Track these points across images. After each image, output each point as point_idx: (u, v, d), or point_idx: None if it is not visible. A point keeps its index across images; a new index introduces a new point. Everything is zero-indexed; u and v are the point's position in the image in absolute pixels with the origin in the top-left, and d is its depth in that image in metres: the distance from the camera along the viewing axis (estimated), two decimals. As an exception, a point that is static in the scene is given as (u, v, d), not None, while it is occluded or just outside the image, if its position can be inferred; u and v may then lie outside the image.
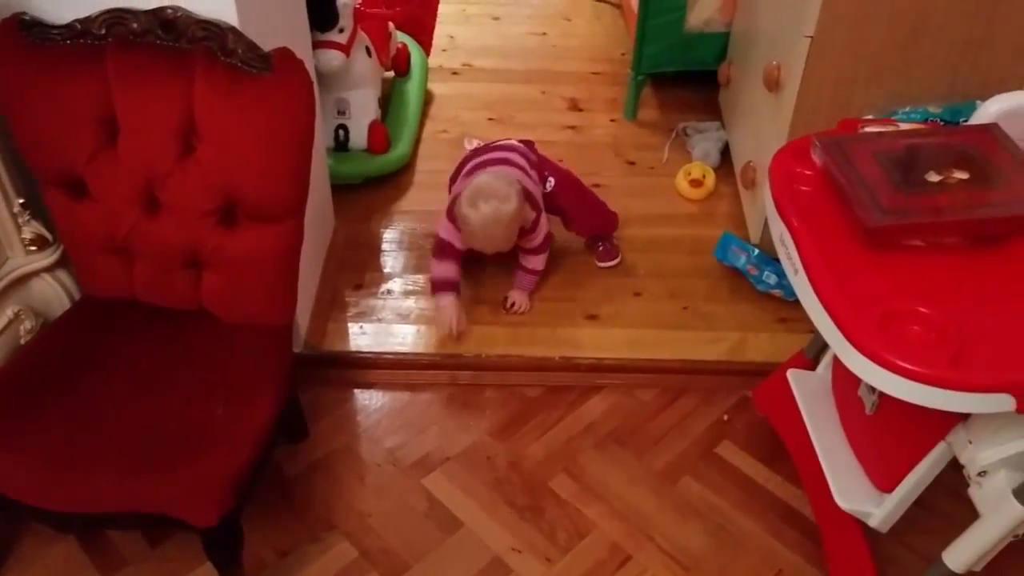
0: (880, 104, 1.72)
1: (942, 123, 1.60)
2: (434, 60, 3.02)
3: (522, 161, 2.04)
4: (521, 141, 2.16)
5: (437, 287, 1.95)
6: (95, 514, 1.31)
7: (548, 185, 2.08)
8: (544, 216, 1.97)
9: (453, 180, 2.13)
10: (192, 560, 1.51)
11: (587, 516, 1.64)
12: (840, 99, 1.78)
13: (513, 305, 2.00)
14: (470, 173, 2.01)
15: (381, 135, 2.44)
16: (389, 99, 2.65)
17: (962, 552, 1.23)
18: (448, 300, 1.93)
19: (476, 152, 2.12)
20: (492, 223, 1.84)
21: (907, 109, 1.65)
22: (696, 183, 2.39)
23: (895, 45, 1.72)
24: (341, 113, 2.40)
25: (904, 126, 1.48)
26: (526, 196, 1.90)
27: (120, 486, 1.27)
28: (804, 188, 1.32)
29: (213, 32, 1.37)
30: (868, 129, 1.42)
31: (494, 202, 1.82)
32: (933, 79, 1.74)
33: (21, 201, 1.48)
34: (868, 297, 1.14)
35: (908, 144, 1.35)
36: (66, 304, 1.58)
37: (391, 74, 2.74)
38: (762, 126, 2.08)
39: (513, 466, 1.73)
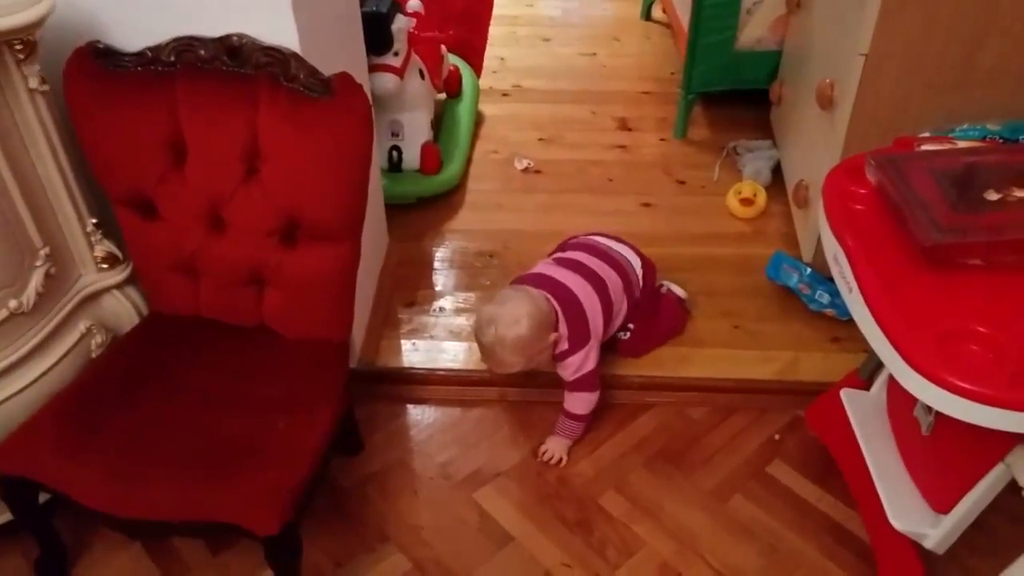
0: (936, 122, 1.70)
1: (1001, 141, 1.58)
2: (485, 82, 3.07)
3: (617, 290, 1.82)
4: (644, 259, 1.95)
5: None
6: (161, 522, 1.35)
7: (623, 335, 1.91)
8: (586, 354, 1.71)
9: (562, 246, 1.98)
10: (252, 567, 1.56)
11: (637, 533, 1.64)
12: (895, 117, 1.76)
13: (545, 454, 1.77)
14: (560, 263, 1.84)
15: (433, 156, 2.48)
16: (441, 120, 2.70)
17: (1021, 574, 1.20)
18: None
19: (591, 245, 1.91)
20: (495, 346, 1.66)
21: (965, 127, 1.63)
22: (747, 202, 2.39)
23: (952, 62, 1.70)
24: (395, 135, 2.46)
25: (962, 144, 1.47)
26: (569, 328, 1.70)
27: (186, 495, 1.31)
28: (858, 207, 1.31)
29: (276, 58, 1.42)
30: (925, 147, 1.41)
31: (493, 327, 1.64)
32: (992, 96, 1.71)
33: (94, 221, 1.54)
34: (925, 316, 1.13)
35: (966, 162, 1.33)
36: (135, 320, 1.64)
37: (443, 96, 2.80)
38: (815, 144, 2.07)
39: (563, 482, 1.74)
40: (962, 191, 1.26)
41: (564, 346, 1.70)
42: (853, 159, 1.39)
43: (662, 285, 2.06)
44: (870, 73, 1.73)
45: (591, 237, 1.97)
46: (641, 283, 1.91)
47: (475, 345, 1.99)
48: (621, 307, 1.84)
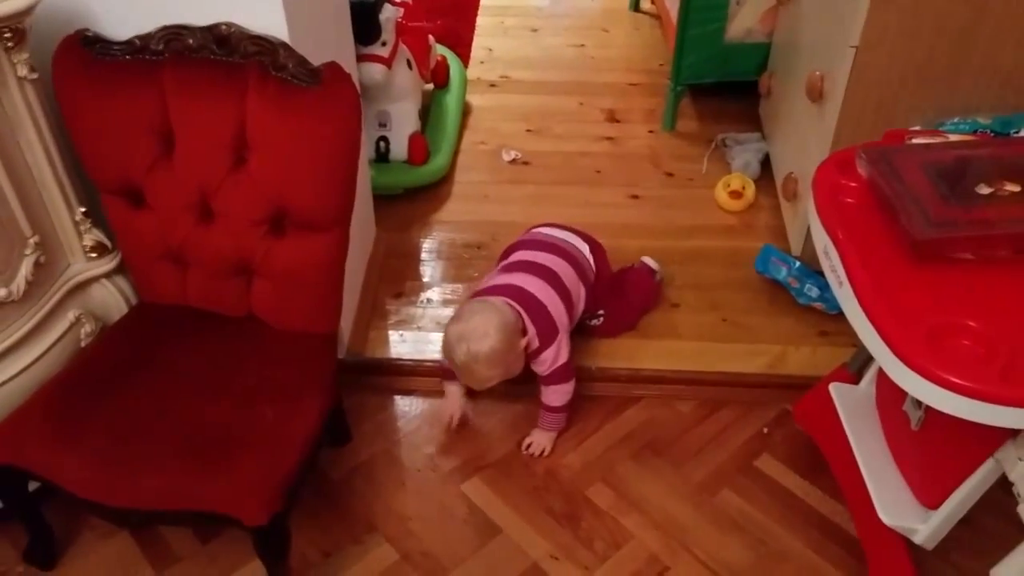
0: (927, 115, 1.71)
1: (992, 135, 1.59)
2: (472, 72, 3.06)
3: (571, 279, 1.80)
4: (591, 242, 1.93)
5: (445, 374, 1.80)
6: (149, 511, 1.34)
7: (595, 322, 1.95)
8: (558, 347, 1.71)
9: (507, 251, 1.92)
10: (240, 557, 1.55)
11: (625, 526, 1.64)
12: (885, 110, 1.77)
13: (530, 447, 1.77)
14: (508, 269, 1.81)
15: (421, 146, 2.47)
16: (428, 111, 2.69)
17: (1010, 571, 1.21)
18: (453, 389, 1.81)
19: (535, 240, 1.90)
20: (470, 364, 1.62)
21: (956, 120, 1.64)
22: (736, 194, 2.39)
23: (943, 55, 1.70)
24: (382, 125, 2.44)
25: (953, 137, 1.47)
26: (536, 327, 1.69)
27: (175, 484, 1.31)
28: (849, 200, 1.32)
29: (265, 47, 1.41)
30: (915, 140, 1.42)
31: (464, 345, 1.61)
32: (983, 90, 1.72)
33: (83, 210, 1.52)
34: (915, 310, 1.13)
35: (957, 156, 1.34)
36: (123, 309, 1.62)
37: (431, 86, 2.78)
38: (804, 137, 2.08)
39: (551, 474, 1.74)
40: (953, 185, 1.26)
41: (535, 344, 1.69)
42: (843, 152, 1.39)
43: (635, 263, 2.10)
44: (860, 66, 1.73)
45: (533, 231, 1.96)
46: (593, 266, 1.90)
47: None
48: (579, 293, 1.82)
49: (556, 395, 1.75)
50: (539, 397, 1.77)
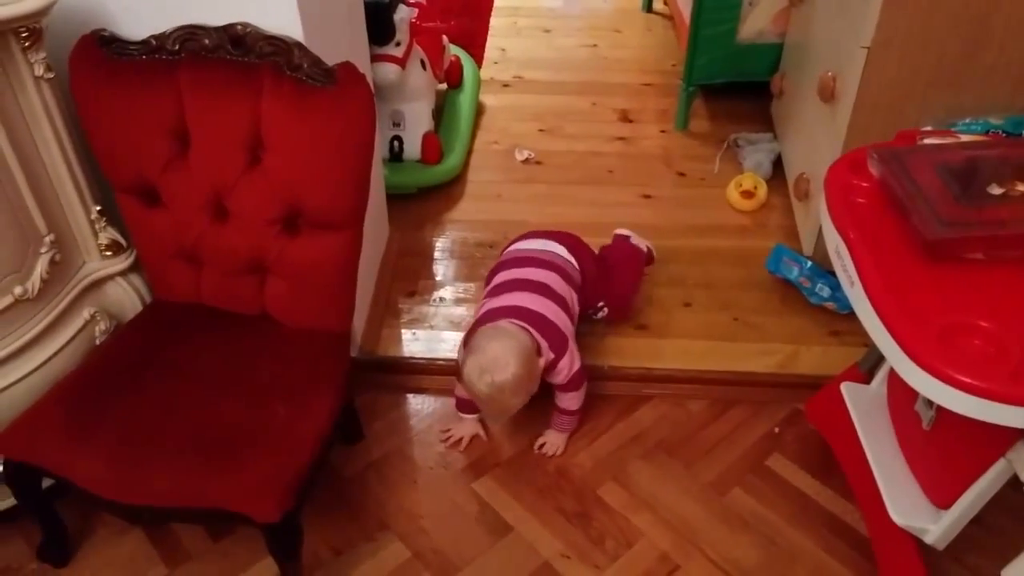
0: (939, 116, 1.70)
1: (1004, 135, 1.58)
2: (486, 72, 3.07)
3: (561, 287, 1.78)
4: (568, 242, 1.89)
5: (460, 406, 1.80)
6: (162, 508, 1.35)
7: (599, 315, 1.95)
8: (571, 354, 1.71)
9: (491, 275, 1.87)
10: (252, 555, 1.57)
11: (635, 525, 1.65)
12: (897, 111, 1.76)
13: (543, 447, 1.78)
14: (498, 291, 1.78)
15: (434, 146, 2.48)
16: (442, 111, 2.70)
17: (1022, 572, 1.20)
18: (469, 420, 1.81)
19: (515, 258, 1.86)
20: (496, 395, 1.59)
21: (967, 121, 1.63)
22: (748, 194, 2.39)
23: (955, 56, 1.70)
24: (396, 125, 2.46)
25: (965, 138, 1.47)
26: (548, 340, 1.67)
27: (187, 482, 1.32)
28: (860, 200, 1.32)
29: (280, 47, 1.42)
30: (927, 141, 1.41)
31: (488, 377, 1.57)
32: (995, 90, 1.71)
33: (98, 208, 1.54)
34: (927, 310, 1.13)
35: (969, 156, 1.33)
36: (138, 307, 1.64)
37: (444, 86, 2.79)
38: (816, 137, 2.07)
39: (562, 473, 1.75)
40: (965, 185, 1.26)
41: (551, 356, 1.67)
42: (855, 152, 1.39)
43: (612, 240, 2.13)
44: (872, 66, 1.73)
45: (509, 250, 1.92)
46: (576, 266, 1.87)
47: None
48: (572, 298, 1.81)
49: (573, 400, 1.76)
50: (552, 398, 1.78)
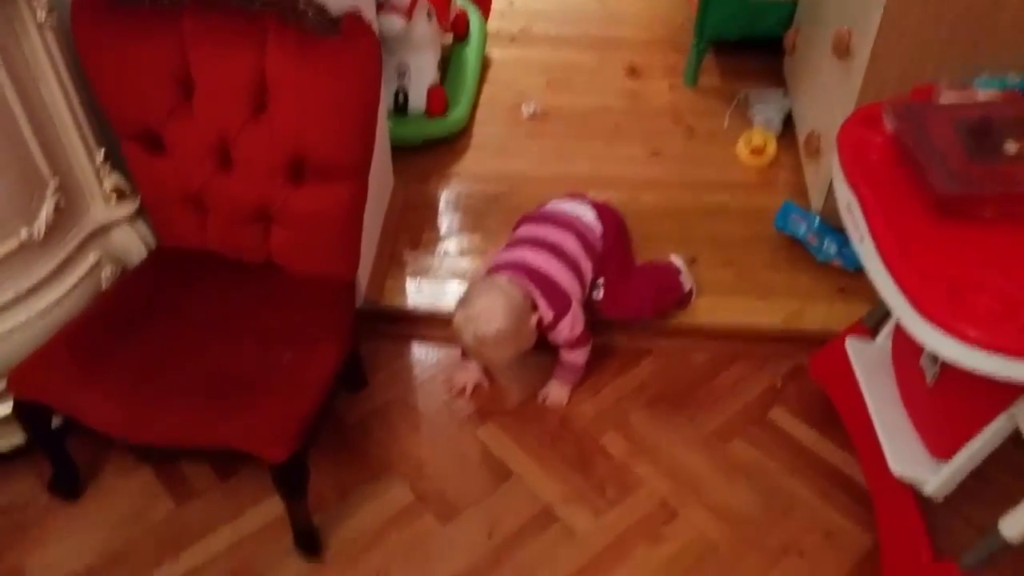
0: (955, 73, 1.68)
1: (1022, 93, 1.56)
2: (492, 24, 3.02)
3: (575, 250, 1.74)
4: (601, 211, 1.83)
5: (464, 352, 1.79)
6: (171, 446, 1.38)
7: (596, 293, 1.82)
8: (573, 317, 1.69)
9: (515, 227, 1.86)
10: (258, 493, 1.59)
11: (636, 473, 1.67)
12: (913, 67, 1.74)
13: (547, 398, 1.79)
14: (512, 245, 1.77)
15: (440, 98, 2.45)
16: (448, 63, 2.66)
17: (1019, 521, 1.22)
18: (472, 367, 1.82)
19: (540, 215, 1.84)
20: (478, 347, 1.61)
21: (985, 77, 1.61)
22: (757, 151, 2.37)
23: (973, 12, 1.67)
24: (401, 76, 2.43)
25: (981, 95, 1.45)
26: (547, 299, 1.65)
27: (196, 422, 1.34)
28: (873, 156, 1.31)
29: (285, -6, 1.40)
30: (943, 97, 1.40)
31: (471, 328, 1.58)
32: (1013, 48, 1.69)
33: (103, 154, 1.53)
34: (936, 266, 1.13)
35: (985, 113, 1.32)
36: (143, 253, 1.64)
37: (450, 38, 2.75)
38: (829, 94, 2.05)
39: (564, 422, 1.76)
40: (980, 142, 1.25)
41: (550, 316, 1.66)
42: (870, 107, 1.38)
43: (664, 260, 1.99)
44: (889, 22, 1.70)
45: (539, 209, 1.87)
46: (601, 233, 1.80)
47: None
48: (586, 265, 1.76)
49: (576, 356, 1.77)
50: (556, 351, 1.78)
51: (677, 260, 2.00)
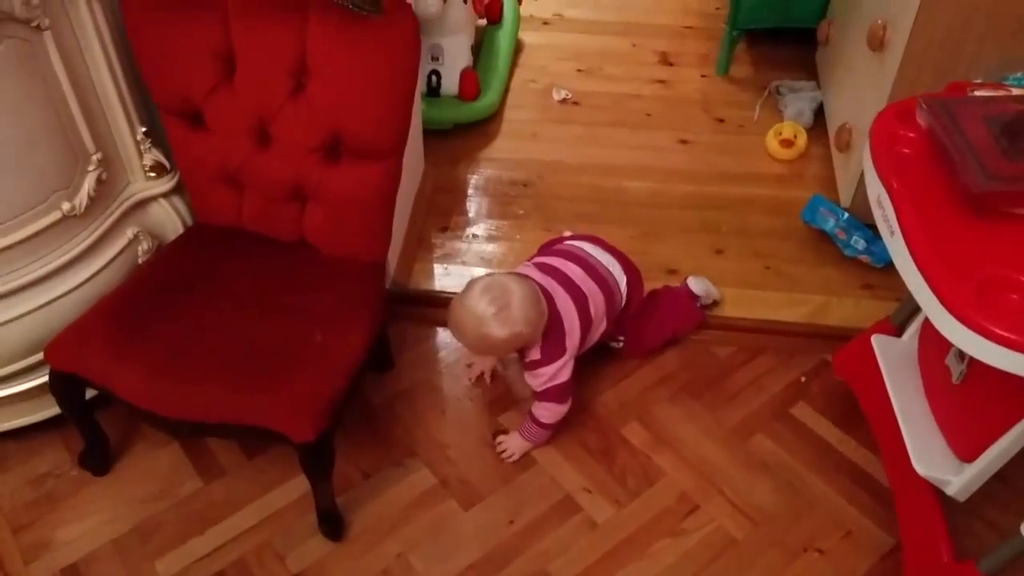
0: (990, 68, 1.66)
1: (1057, 90, 1.54)
2: (525, 9, 3.02)
3: (598, 309, 1.67)
4: (630, 273, 1.76)
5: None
6: (200, 422, 1.40)
7: (616, 343, 1.81)
8: (559, 368, 1.58)
9: (542, 249, 1.83)
10: (284, 473, 1.62)
11: (657, 464, 1.68)
12: (947, 62, 1.72)
13: (500, 444, 1.68)
14: (543, 267, 1.68)
15: (472, 82, 2.46)
16: (481, 47, 2.67)
17: (1041, 524, 1.22)
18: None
19: (575, 255, 1.73)
20: (461, 329, 1.55)
21: (1020, 75, 1.59)
22: (787, 143, 2.36)
23: (1010, 7, 1.65)
24: (435, 59, 2.44)
25: (1016, 91, 1.43)
26: (544, 339, 1.57)
27: (226, 398, 1.36)
28: (906, 150, 1.30)
29: (327, -26, 1.41)
30: (978, 93, 1.38)
31: (476, 295, 1.52)
32: (1051, 45, 1.67)
33: (144, 129, 1.56)
34: (967, 263, 1.12)
35: (1020, 110, 1.31)
36: (179, 229, 1.67)
37: (483, 22, 2.76)
38: (862, 87, 2.03)
39: (587, 411, 1.77)
40: (1014, 139, 1.23)
41: (536, 356, 1.57)
42: (904, 102, 1.37)
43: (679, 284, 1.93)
44: (925, 15, 1.69)
45: (579, 245, 1.78)
46: (624, 300, 1.75)
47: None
48: (600, 325, 1.70)
49: (546, 412, 1.63)
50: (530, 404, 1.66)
51: (695, 284, 1.92)
